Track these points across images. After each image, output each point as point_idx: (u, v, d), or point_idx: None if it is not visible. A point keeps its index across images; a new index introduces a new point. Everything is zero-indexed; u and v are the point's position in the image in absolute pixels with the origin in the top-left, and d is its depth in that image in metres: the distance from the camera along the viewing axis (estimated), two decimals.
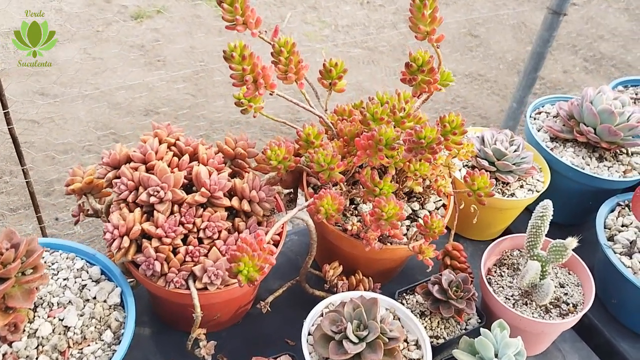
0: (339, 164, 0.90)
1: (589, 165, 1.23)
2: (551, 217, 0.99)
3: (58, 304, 0.87)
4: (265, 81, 0.92)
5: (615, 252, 1.09)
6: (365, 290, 1.04)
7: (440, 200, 1.10)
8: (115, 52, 2.97)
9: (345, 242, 1.00)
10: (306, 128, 0.96)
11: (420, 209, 1.07)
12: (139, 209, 0.89)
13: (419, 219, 1.05)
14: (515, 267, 1.07)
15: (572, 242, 0.96)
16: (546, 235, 1.01)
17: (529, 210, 1.22)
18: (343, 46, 3.48)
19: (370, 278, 1.06)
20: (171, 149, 0.98)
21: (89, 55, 2.95)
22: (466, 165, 1.21)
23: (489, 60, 3.55)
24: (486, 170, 1.18)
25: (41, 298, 0.87)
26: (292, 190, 1.12)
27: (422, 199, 1.08)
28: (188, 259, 0.87)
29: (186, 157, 0.95)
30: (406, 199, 1.07)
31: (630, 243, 1.10)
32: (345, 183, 1.04)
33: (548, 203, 1.00)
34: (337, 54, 3.42)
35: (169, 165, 0.93)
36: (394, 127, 1.01)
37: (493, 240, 1.28)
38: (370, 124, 0.97)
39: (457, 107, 3.14)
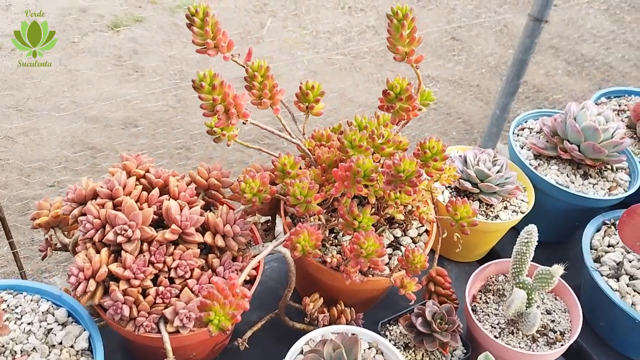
0: (316, 195, 0.86)
1: (573, 183, 1.21)
2: (536, 243, 0.97)
3: (21, 351, 0.82)
4: (237, 110, 0.88)
5: (602, 275, 1.06)
6: (347, 321, 1.00)
7: (423, 226, 1.06)
8: (91, 64, 2.90)
9: (325, 274, 0.96)
10: (281, 157, 0.92)
11: (402, 235, 1.04)
12: (106, 248, 0.84)
13: (402, 247, 1.02)
14: (501, 293, 1.04)
15: (558, 269, 0.93)
16: (532, 257, 0.98)
17: (515, 229, 1.20)
18: (325, 53, 3.44)
19: (352, 308, 1.03)
20: (141, 182, 0.94)
21: (64, 67, 2.88)
22: (449, 187, 1.18)
23: (471, 64, 3.53)
24: (469, 193, 1.15)
25: (3, 346, 0.82)
26: (269, 217, 1.08)
27: (405, 225, 1.05)
28: (159, 300, 0.83)
29: (156, 191, 0.90)
30: (387, 225, 1.04)
31: (617, 265, 1.07)
32: (325, 211, 1.00)
33: (532, 228, 0.97)
34: (318, 61, 3.38)
35: (137, 200, 0.89)
36: (373, 153, 0.98)
37: (479, 261, 1.26)
38: (349, 151, 0.93)
39: (441, 114, 3.12)
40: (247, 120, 0.91)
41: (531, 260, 0.99)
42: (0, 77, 2.71)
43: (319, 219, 0.94)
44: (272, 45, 3.41)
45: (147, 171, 0.95)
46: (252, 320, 1.04)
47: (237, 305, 0.72)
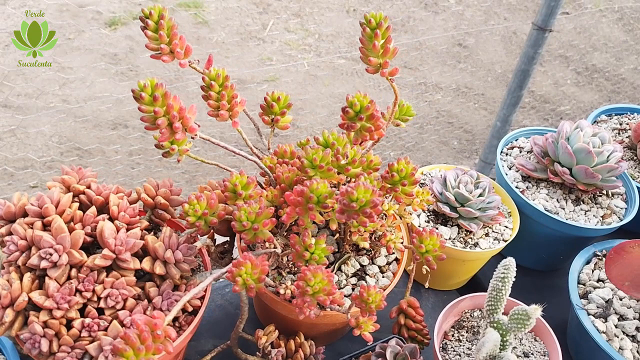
0: (265, 222, 0.77)
1: (564, 209, 1.11)
2: (513, 279, 0.87)
3: None
4: (184, 124, 0.80)
5: (588, 314, 0.97)
6: (305, 356, 0.92)
7: (394, 253, 0.97)
8: (85, 61, 2.84)
9: (279, 305, 0.87)
10: (233, 176, 0.84)
11: (369, 263, 0.95)
12: (30, 273, 0.76)
13: (367, 276, 0.93)
14: (476, 330, 0.95)
15: (535, 310, 0.84)
16: (513, 282, 0.88)
17: (501, 254, 1.10)
18: (326, 56, 3.36)
19: (312, 342, 0.94)
20: (80, 199, 0.86)
21: (58, 64, 2.82)
22: (427, 210, 1.09)
23: (477, 72, 3.43)
24: (448, 218, 1.06)
25: None
26: (228, 239, 1.00)
27: (372, 252, 0.96)
28: (85, 334, 0.75)
29: (92, 210, 0.82)
30: (354, 252, 0.95)
31: (606, 303, 0.98)
32: (285, 234, 0.92)
33: (510, 263, 0.87)
34: (320, 64, 3.30)
35: (71, 220, 0.81)
36: (339, 173, 0.89)
37: (459, 290, 1.17)
38: (309, 171, 0.85)
39: (442, 122, 3.02)
40: (195, 135, 0.83)
41: (509, 295, 0.90)
42: None
43: (273, 246, 0.86)
44: (273, 46, 3.34)
45: (89, 187, 0.87)
46: (206, 349, 0.96)
47: (157, 350, 0.63)
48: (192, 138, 0.83)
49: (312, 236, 0.80)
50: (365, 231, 0.87)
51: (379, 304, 0.75)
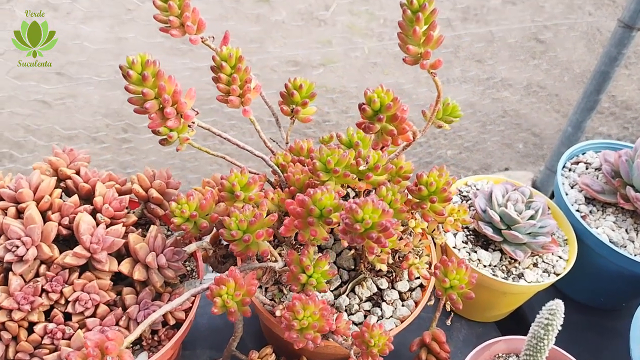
0: (260, 232, 0.65)
1: (633, 242, 0.93)
2: (560, 327, 0.72)
3: None
4: (178, 110, 0.69)
5: None
6: None
7: (419, 278, 0.83)
8: (142, 34, 2.80)
9: (276, 327, 0.76)
10: (232, 175, 0.72)
11: (389, 287, 0.81)
12: None
13: (384, 304, 0.79)
14: None
15: None
16: (562, 324, 0.72)
17: (555, 286, 0.94)
18: (389, 42, 3.18)
19: None
20: (67, 184, 0.77)
21: (114, 34, 2.80)
22: (466, 228, 0.94)
23: (553, 71, 3.16)
24: (490, 241, 0.91)
25: None
26: None
27: (393, 274, 0.82)
28: (47, 340, 0.66)
29: (74, 199, 0.73)
30: (371, 273, 0.82)
31: None
32: (294, 244, 0.80)
33: (557, 307, 0.72)
34: (381, 50, 3.13)
35: (49, 209, 0.72)
36: (359, 180, 0.76)
37: (498, 323, 1.02)
38: (321, 175, 0.72)
39: (508, 122, 2.79)
40: (193, 123, 0.72)
41: (554, 343, 0.74)
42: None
43: (275, 259, 0.73)
44: (334, 29, 3.20)
45: (78, 172, 0.78)
46: None
47: None
48: (189, 126, 0.72)
49: (322, 252, 0.68)
50: (382, 252, 0.73)
51: (383, 348, 0.61)
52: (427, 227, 0.80)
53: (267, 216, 0.68)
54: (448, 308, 0.72)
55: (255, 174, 0.80)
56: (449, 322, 0.78)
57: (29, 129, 2.31)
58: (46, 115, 2.37)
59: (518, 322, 1.03)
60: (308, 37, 3.08)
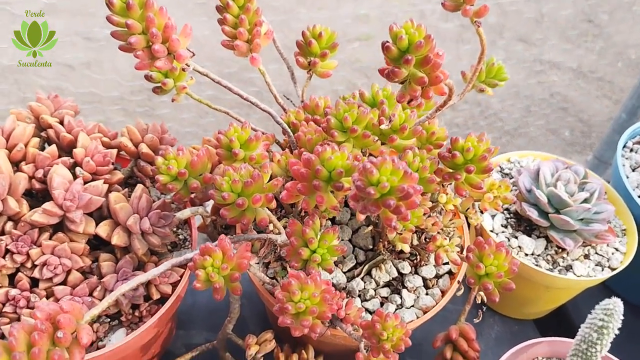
0: (257, 197, 0.54)
1: None
2: (617, 331, 0.59)
3: None
4: (170, 48, 0.58)
5: None
6: None
7: (448, 263, 0.71)
8: (176, 5, 2.71)
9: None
10: (231, 129, 0.61)
11: (411, 272, 0.70)
12: None
13: (404, 290, 0.68)
14: None
15: None
16: (618, 329, 0.60)
17: (604, 286, 0.82)
18: (431, 17, 3.01)
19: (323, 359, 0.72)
20: (49, 134, 0.68)
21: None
22: (506, 210, 0.81)
23: (607, 55, 2.94)
24: (534, 226, 0.78)
25: None
26: None
27: (417, 257, 0.70)
28: (8, 308, 0.57)
29: (51, 150, 0.63)
30: (393, 254, 0.70)
31: None
32: (302, 215, 0.69)
33: (615, 306, 0.59)
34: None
35: (23, 160, 0.63)
36: (383, 143, 0.64)
37: (537, 321, 0.89)
38: (336, 135, 0.61)
39: (554, 107, 2.61)
40: (187, 65, 0.61)
41: (608, 350, 0.62)
42: (75, 1, 2.60)
43: (278, 230, 0.63)
44: (372, 2, 3.05)
45: (61, 121, 0.68)
46: (194, 343, 0.76)
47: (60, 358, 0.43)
48: (183, 70, 0.61)
49: (329, 223, 0.57)
50: (404, 228, 0.61)
51: (397, 343, 0.50)
52: (461, 204, 0.68)
53: (270, 180, 0.58)
54: (479, 300, 0.60)
55: (262, 133, 0.69)
56: (479, 317, 0.66)
57: (52, 91, 2.27)
58: (71, 79, 2.32)
59: (560, 322, 0.90)
60: (345, 9, 2.94)
